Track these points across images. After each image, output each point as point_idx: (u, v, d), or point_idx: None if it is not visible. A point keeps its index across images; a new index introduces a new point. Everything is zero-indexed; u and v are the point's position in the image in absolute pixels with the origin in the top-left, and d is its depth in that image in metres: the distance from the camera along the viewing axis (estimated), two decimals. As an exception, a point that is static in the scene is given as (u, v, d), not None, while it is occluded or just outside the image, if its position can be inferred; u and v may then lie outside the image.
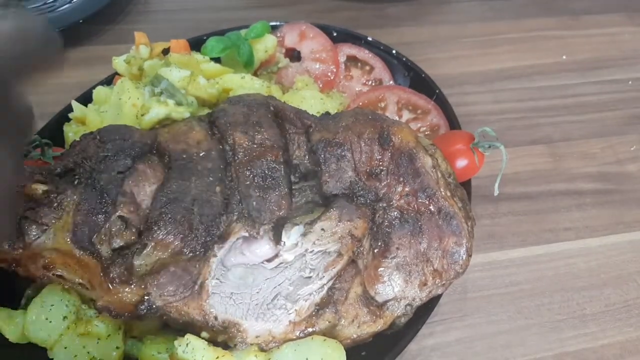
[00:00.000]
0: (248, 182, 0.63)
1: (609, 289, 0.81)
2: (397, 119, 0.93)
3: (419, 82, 0.99)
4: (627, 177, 0.97)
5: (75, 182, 0.60)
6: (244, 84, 0.87)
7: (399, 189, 0.67)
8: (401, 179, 0.67)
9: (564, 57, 1.22)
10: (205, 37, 0.97)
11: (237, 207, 0.62)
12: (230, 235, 0.61)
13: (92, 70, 1.05)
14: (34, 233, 0.58)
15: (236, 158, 0.65)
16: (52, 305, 0.64)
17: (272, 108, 0.71)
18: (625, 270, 0.83)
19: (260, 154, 0.65)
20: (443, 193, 0.67)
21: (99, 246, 0.59)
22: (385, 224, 0.66)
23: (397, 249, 0.65)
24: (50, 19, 1.15)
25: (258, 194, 0.63)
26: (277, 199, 0.63)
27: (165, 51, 0.92)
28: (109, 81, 0.92)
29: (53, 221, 0.59)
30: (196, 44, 0.95)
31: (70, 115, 0.85)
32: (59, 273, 0.61)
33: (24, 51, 0.40)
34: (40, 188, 0.59)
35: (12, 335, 0.64)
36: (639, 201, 0.93)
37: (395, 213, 0.67)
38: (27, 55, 0.40)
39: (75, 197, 0.59)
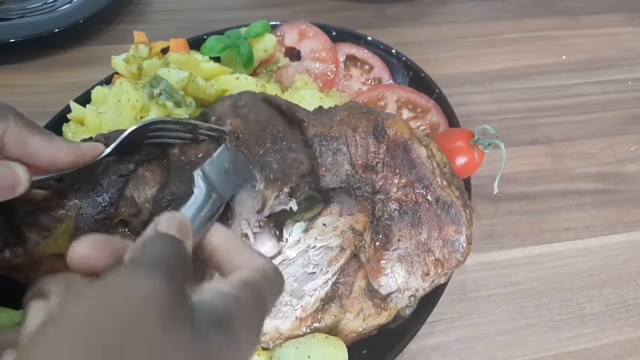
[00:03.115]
0: (262, 151, 0.62)
1: (609, 289, 0.81)
2: (397, 118, 0.93)
3: (418, 81, 0.99)
4: (627, 177, 0.97)
5: (76, 186, 0.59)
6: (238, 84, 0.86)
7: (396, 180, 0.67)
8: (397, 171, 0.67)
9: (564, 57, 1.22)
10: (205, 37, 0.97)
11: (260, 175, 0.61)
12: (266, 202, 0.60)
13: (92, 70, 1.05)
14: (35, 239, 0.56)
15: (239, 139, 0.63)
16: (51, 305, 0.64)
17: (259, 96, 0.70)
18: (625, 270, 0.83)
19: (261, 126, 0.65)
20: (440, 182, 0.67)
21: None
22: (385, 216, 0.66)
23: (398, 240, 0.66)
24: (50, 19, 1.15)
25: (278, 157, 0.62)
26: (295, 157, 0.63)
27: (165, 50, 0.91)
28: (108, 80, 0.92)
29: (55, 226, 0.57)
30: (196, 44, 0.95)
31: (69, 115, 0.85)
32: None
33: None
34: (40, 193, 0.57)
35: (11, 335, 0.64)
36: (638, 201, 0.93)
37: (394, 205, 0.67)
38: None
39: (76, 201, 0.58)
